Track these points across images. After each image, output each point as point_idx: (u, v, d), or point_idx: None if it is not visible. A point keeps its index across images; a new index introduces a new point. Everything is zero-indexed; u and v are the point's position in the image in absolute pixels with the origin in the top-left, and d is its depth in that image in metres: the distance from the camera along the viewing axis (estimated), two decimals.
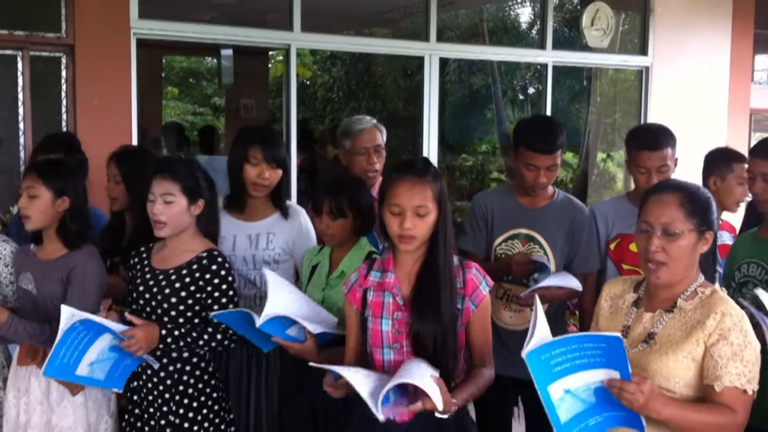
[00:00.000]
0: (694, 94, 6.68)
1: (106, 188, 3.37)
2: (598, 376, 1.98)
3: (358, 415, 2.29)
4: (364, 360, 2.41)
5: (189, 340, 2.69)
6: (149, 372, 2.76)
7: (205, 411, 2.80)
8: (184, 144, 7.68)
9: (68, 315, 2.50)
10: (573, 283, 3.01)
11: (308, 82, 12.93)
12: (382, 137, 3.61)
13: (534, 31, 11.76)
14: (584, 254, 3.18)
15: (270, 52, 9.56)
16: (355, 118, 3.75)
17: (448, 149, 10.35)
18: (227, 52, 8.64)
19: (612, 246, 3.27)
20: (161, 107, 10.45)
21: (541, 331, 2.00)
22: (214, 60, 12.24)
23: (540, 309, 2.07)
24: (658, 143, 3.14)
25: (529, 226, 3.15)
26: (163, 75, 10.98)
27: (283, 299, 2.54)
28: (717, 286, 2.28)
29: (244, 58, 8.72)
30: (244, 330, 2.69)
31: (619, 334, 1.94)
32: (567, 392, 1.99)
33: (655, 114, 6.43)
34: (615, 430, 2.08)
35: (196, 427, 2.78)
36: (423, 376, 2.10)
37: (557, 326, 3.10)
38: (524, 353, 1.94)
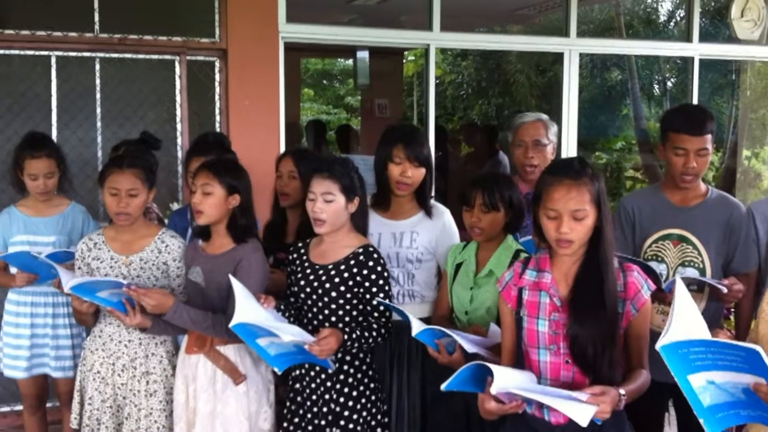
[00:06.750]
0: None
1: (275, 184, 3.46)
2: (743, 378, 1.89)
3: (512, 415, 2.25)
4: (520, 359, 2.38)
5: (363, 341, 2.79)
6: None
7: (363, 400, 2.89)
8: (323, 142, 7.84)
9: (238, 286, 2.61)
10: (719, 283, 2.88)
11: (437, 80, 12.98)
12: (546, 133, 3.57)
13: (672, 24, 11.32)
14: (743, 253, 3.05)
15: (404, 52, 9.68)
16: (524, 113, 3.74)
17: (581, 146, 10.13)
18: (363, 54, 8.81)
19: None
20: (299, 108, 10.78)
21: (679, 323, 1.91)
22: (347, 61, 12.53)
23: (681, 300, 1.97)
24: None
25: (682, 226, 3.03)
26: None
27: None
28: None
29: (379, 59, 8.87)
30: None
31: (757, 347, 1.81)
32: (711, 383, 1.91)
33: None
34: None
35: (355, 416, 2.86)
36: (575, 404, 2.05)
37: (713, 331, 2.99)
38: (659, 345, 1.87)
